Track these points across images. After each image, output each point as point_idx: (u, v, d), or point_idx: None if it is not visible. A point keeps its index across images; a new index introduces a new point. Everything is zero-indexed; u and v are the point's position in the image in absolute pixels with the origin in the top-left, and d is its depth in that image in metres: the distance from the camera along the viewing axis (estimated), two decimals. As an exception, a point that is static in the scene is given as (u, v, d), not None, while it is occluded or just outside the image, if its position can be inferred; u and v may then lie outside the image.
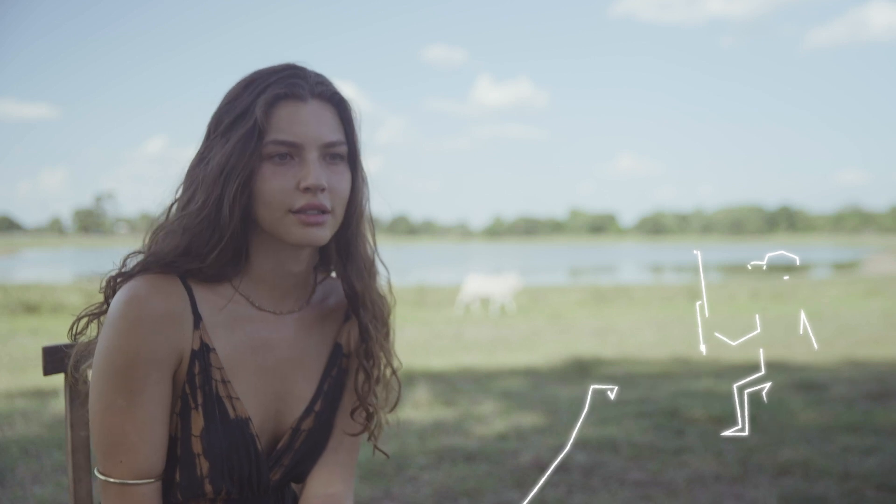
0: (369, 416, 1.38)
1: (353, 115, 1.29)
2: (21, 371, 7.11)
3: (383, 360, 1.41)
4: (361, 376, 1.37)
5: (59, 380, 1.36)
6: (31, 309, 12.93)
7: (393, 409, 1.44)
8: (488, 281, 15.39)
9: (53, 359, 1.40)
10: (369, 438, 1.40)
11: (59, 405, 5.00)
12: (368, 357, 1.37)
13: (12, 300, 13.37)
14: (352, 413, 1.38)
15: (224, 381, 1.25)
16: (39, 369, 1.44)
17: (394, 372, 1.44)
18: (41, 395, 5.66)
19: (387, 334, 1.42)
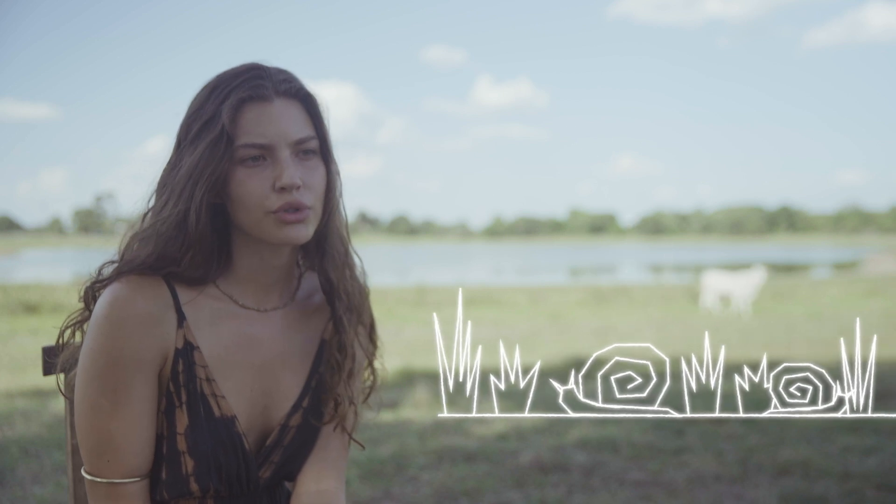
0: (336, 407, 1.38)
1: (321, 108, 1.30)
2: (21, 371, 7.10)
3: (358, 353, 1.41)
4: (333, 367, 1.37)
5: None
6: (31, 309, 12.92)
7: (365, 400, 1.46)
8: (729, 277, 14.74)
9: (53, 359, 1.40)
10: (336, 428, 1.40)
11: (59, 405, 5.00)
12: (340, 349, 1.37)
13: (12, 300, 13.36)
14: (321, 402, 1.38)
15: (209, 380, 1.26)
16: (39, 369, 1.45)
17: (370, 364, 1.44)
18: (41, 395, 5.66)
19: (366, 326, 1.43)
